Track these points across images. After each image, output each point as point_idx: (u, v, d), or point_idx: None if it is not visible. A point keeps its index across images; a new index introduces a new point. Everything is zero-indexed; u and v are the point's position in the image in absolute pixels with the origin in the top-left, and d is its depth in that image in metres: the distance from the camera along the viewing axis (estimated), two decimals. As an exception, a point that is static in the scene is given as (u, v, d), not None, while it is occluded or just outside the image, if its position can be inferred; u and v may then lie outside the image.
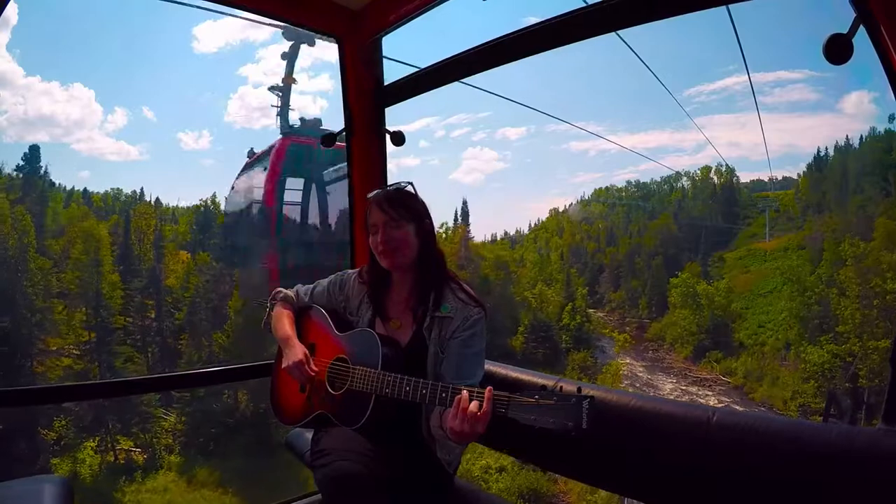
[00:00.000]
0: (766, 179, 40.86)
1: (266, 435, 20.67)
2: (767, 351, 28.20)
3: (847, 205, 29.24)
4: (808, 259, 29.14)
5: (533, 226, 49.16)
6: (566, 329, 32.15)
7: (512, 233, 49.20)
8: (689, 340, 31.61)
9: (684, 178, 43.41)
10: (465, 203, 40.99)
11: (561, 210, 48.85)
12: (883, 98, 33.47)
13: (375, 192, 1.64)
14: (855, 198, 29.05)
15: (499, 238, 47.96)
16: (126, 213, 29.16)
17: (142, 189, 33.86)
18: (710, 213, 40.21)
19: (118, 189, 33.72)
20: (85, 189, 32.91)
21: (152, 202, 32.97)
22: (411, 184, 1.64)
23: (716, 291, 32.43)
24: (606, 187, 49.23)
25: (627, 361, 31.62)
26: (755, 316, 31.17)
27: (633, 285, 38.55)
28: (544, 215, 49.45)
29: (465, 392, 1.24)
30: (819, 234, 29.22)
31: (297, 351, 1.60)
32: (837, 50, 1.22)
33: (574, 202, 48.90)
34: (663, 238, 38.44)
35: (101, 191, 33.13)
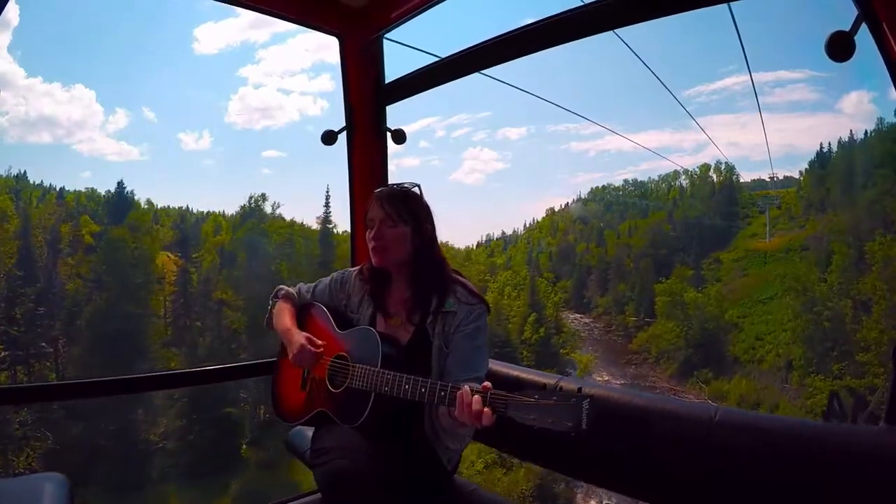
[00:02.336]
0: (766, 179, 39.94)
1: (139, 467, 19.12)
2: (765, 370, 24.69)
3: (856, 201, 26.98)
4: (813, 262, 26.08)
5: (528, 226, 48.31)
6: (527, 344, 28.65)
7: (509, 233, 48.47)
8: (674, 356, 28.12)
9: (682, 177, 42.40)
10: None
11: (556, 210, 47.94)
12: (882, 98, 33.02)
13: (381, 188, 1.64)
14: (866, 193, 26.63)
15: (495, 239, 47.46)
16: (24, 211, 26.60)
17: (116, 188, 32.58)
18: (707, 211, 38.41)
19: (92, 188, 32.38)
20: (62, 188, 31.65)
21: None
22: (418, 186, 1.63)
23: (706, 299, 29.00)
24: (603, 186, 48.18)
25: (605, 379, 28.61)
26: (753, 326, 27.86)
27: (620, 289, 35.95)
28: (542, 216, 48.68)
29: (465, 387, 1.23)
30: (825, 235, 26.79)
31: (298, 338, 1.59)
32: (839, 47, 1.22)
33: (569, 202, 48.63)
34: (654, 238, 36.24)
35: (74, 190, 31.89)
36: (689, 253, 35.11)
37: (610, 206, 45.11)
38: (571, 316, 37.83)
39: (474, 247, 44.67)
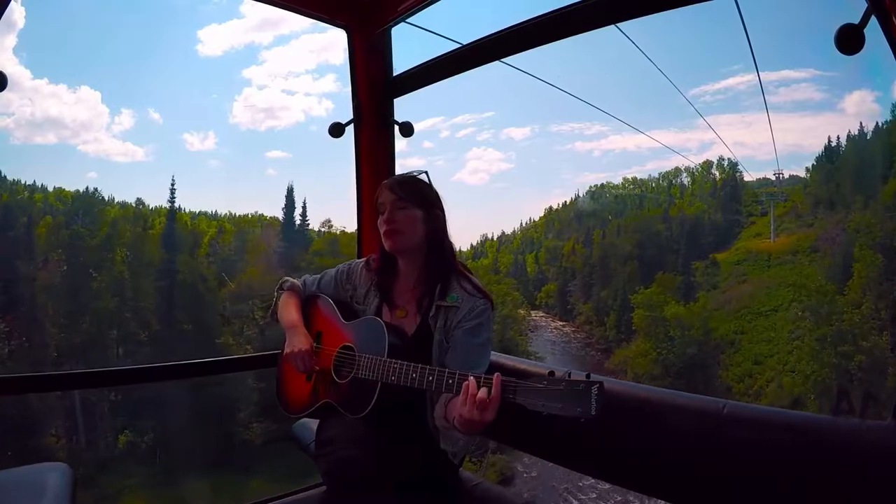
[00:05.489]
0: (772, 177, 37.10)
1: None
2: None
3: (877, 195, 24.49)
4: (826, 267, 22.83)
5: (524, 225, 46.72)
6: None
7: (509, 233, 46.88)
8: (652, 384, 24.45)
9: (684, 174, 40.08)
10: (289, 190, 33.41)
11: (554, 208, 46.13)
12: (885, 98, 31.48)
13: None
14: (886, 185, 24.19)
15: (493, 239, 46.19)
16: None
17: (94, 188, 32.51)
18: (707, 209, 35.52)
19: (60, 188, 31.57)
20: (37, 185, 31.09)
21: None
22: (426, 173, 1.65)
23: (691, 316, 24.25)
24: (602, 184, 45.29)
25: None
26: (752, 345, 23.78)
27: (602, 296, 32.48)
28: (541, 215, 46.76)
29: (472, 378, 1.20)
30: (839, 234, 24.23)
31: (301, 339, 1.58)
32: (849, 40, 1.21)
33: (566, 201, 46.37)
34: (645, 238, 32.83)
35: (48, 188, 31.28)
36: (682, 255, 31.76)
37: (608, 204, 42.54)
38: (553, 325, 35.47)
39: (469, 247, 42.99)
